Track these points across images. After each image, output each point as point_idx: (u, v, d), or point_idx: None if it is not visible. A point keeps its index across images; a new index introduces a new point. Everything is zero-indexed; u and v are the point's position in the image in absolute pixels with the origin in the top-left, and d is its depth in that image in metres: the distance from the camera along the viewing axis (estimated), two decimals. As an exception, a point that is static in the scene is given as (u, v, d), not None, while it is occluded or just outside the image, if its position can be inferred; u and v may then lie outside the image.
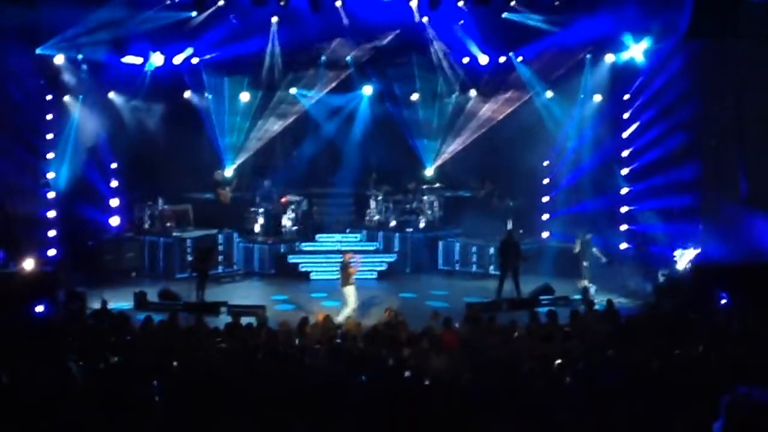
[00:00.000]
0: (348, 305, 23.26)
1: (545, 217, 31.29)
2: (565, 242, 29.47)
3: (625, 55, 28.34)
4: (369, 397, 12.84)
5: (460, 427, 11.81)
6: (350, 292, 23.43)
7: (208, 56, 28.47)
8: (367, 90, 30.64)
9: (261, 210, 30.41)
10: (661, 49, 27.29)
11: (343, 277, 23.71)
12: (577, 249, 26.65)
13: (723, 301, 21.16)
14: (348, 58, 29.91)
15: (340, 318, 22.09)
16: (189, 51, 27.90)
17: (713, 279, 22.55)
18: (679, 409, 12.24)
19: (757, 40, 25.11)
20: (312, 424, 11.84)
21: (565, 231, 29.77)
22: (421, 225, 31.18)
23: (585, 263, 26.35)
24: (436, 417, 11.98)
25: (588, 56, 29.28)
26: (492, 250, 28.90)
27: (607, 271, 26.80)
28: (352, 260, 24.04)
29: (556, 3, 27.75)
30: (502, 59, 29.66)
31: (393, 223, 31.28)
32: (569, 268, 27.84)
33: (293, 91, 30.42)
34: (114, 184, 29.45)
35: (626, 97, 29.58)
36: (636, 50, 27.94)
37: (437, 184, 32.06)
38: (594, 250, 26.51)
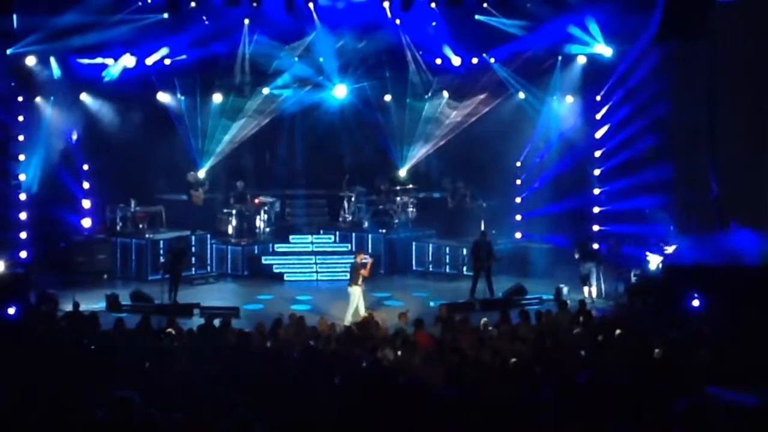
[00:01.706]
0: (353, 305, 23.31)
1: (518, 217, 31.36)
2: (536, 243, 29.65)
3: (595, 49, 28.48)
4: (343, 398, 12.85)
5: (436, 427, 11.83)
6: (356, 292, 23.44)
7: (180, 57, 28.36)
8: (340, 91, 30.55)
9: (234, 211, 30.35)
10: (633, 51, 27.45)
11: (353, 277, 23.73)
12: (578, 255, 26.66)
13: (695, 302, 21.23)
14: (320, 59, 29.86)
15: (347, 320, 22.42)
16: (163, 51, 27.81)
17: (685, 279, 22.64)
18: (650, 411, 12.29)
19: (727, 42, 25.25)
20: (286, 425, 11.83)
21: (537, 232, 29.92)
22: (395, 226, 31.19)
23: (584, 270, 26.34)
24: (412, 418, 11.99)
25: (559, 57, 29.39)
26: (465, 251, 28.96)
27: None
28: (364, 260, 24.06)
29: (528, 5, 27.88)
30: (474, 61, 29.72)
31: (366, 224, 31.26)
32: (542, 269, 28.02)
33: (266, 92, 30.33)
34: (86, 185, 29.32)
35: (598, 98, 29.76)
36: (604, 49, 28.15)
37: (410, 186, 32.07)
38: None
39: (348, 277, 23.85)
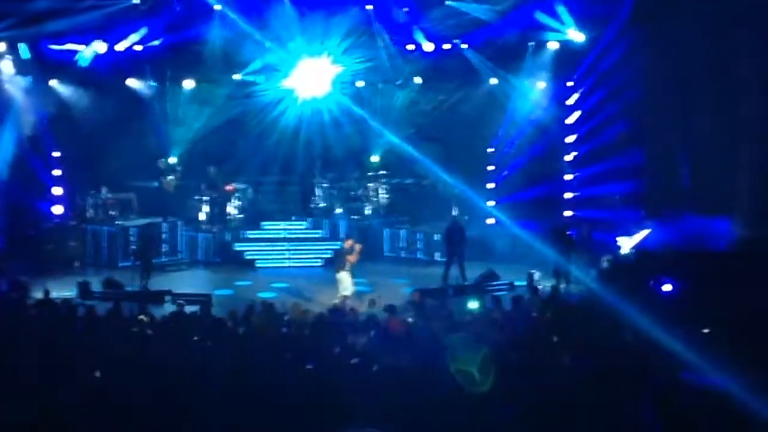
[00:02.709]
0: (341, 290, 23.32)
1: (490, 203, 31.37)
2: (508, 228, 29.67)
3: (567, 35, 28.50)
4: (316, 384, 12.84)
5: (410, 414, 11.84)
6: (344, 277, 23.43)
7: (151, 44, 28.18)
8: (312, 76, 30.40)
9: (206, 198, 30.24)
10: (605, 36, 27.50)
11: (340, 263, 23.73)
12: (553, 244, 26.59)
13: (667, 287, 21.33)
14: (291, 44, 29.73)
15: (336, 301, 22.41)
16: (134, 37, 27.63)
17: (656, 265, 22.75)
18: (623, 394, 12.35)
19: (699, 28, 25.35)
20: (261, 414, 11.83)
21: (509, 217, 29.94)
22: (367, 212, 31.18)
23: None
24: (384, 403, 12.01)
25: (531, 43, 29.43)
26: (437, 237, 29.00)
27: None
28: (353, 246, 24.05)
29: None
30: (446, 46, 29.69)
31: (338, 210, 31.24)
32: (514, 255, 28.04)
33: (237, 78, 30.19)
34: (56, 172, 29.16)
35: (570, 83, 29.83)
36: (577, 35, 28.19)
37: (382, 172, 32.06)
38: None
39: (322, 263, 23.74)
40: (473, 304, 19.25)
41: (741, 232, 24.04)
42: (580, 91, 29.54)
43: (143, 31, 27.68)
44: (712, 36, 25.35)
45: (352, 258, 23.75)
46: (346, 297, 22.89)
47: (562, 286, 24.36)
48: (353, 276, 24.11)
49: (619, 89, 27.31)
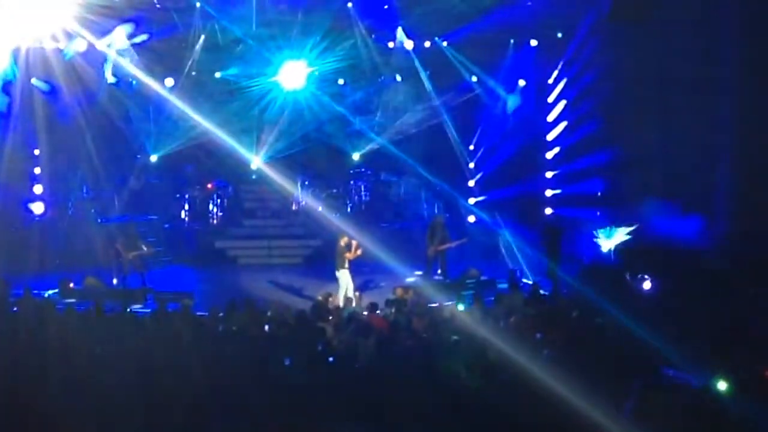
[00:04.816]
0: (342, 288, 23.25)
1: (471, 201, 31.44)
2: (489, 226, 29.75)
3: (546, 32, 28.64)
4: (298, 382, 12.89)
5: (391, 411, 11.90)
6: (344, 275, 23.41)
7: (132, 41, 28.08)
8: (293, 74, 30.38)
9: (187, 195, 30.23)
10: (584, 32, 27.55)
11: (338, 261, 23.69)
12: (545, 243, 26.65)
13: (646, 284, 21.45)
14: (272, 42, 29.67)
15: (338, 302, 22.24)
16: (115, 34, 27.51)
17: (636, 262, 22.86)
18: (602, 391, 12.43)
19: (675, 26, 25.47)
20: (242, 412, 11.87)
21: (490, 215, 30.03)
22: (348, 210, 31.18)
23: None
24: (367, 401, 12.07)
25: (512, 41, 29.47)
26: (419, 234, 29.01)
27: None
28: (350, 243, 24.03)
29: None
30: (427, 44, 29.71)
31: (319, 208, 31.24)
32: (495, 252, 28.12)
33: (218, 75, 30.16)
34: (37, 170, 29.08)
35: (550, 80, 29.91)
36: (556, 31, 28.31)
37: (363, 170, 32.08)
38: None
39: (302, 260, 23.64)
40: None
41: (718, 230, 24.16)
42: (560, 87, 29.59)
43: (125, 27, 27.55)
44: (690, 32, 25.45)
45: (350, 255, 23.69)
46: (349, 298, 22.69)
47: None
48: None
49: (597, 86, 27.39)
